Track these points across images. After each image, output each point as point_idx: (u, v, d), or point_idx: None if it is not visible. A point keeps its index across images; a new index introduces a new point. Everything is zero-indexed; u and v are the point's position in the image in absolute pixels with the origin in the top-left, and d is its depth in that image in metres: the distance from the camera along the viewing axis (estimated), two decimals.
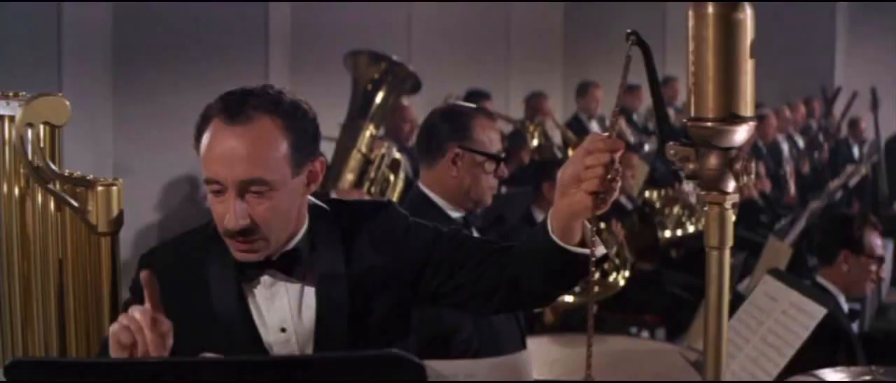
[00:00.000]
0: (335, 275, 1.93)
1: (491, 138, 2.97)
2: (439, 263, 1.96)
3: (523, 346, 2.89)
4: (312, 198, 2.00)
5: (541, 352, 3.21)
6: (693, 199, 5.91)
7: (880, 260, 3.77)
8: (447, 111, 3.10)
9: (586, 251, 1.77)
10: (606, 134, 1.69)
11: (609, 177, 1.67)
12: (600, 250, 1.82)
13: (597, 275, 4.14)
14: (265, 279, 1.92)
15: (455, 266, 1.96)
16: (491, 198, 3.05)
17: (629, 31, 1.62)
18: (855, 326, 3.70)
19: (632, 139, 8.22)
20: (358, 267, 1.95)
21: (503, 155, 3.01)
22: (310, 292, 1.93)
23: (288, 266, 1.91)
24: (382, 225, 2.00)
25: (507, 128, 7.58)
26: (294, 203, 1.89)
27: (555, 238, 1.78)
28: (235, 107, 1.82)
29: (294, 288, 1.93)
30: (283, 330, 1.92)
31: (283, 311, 1.92)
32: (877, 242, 3.78)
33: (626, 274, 4.51)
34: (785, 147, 9.27)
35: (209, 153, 1.83)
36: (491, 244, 2.00)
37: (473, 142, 2.95)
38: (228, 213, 1.82)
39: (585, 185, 1.69)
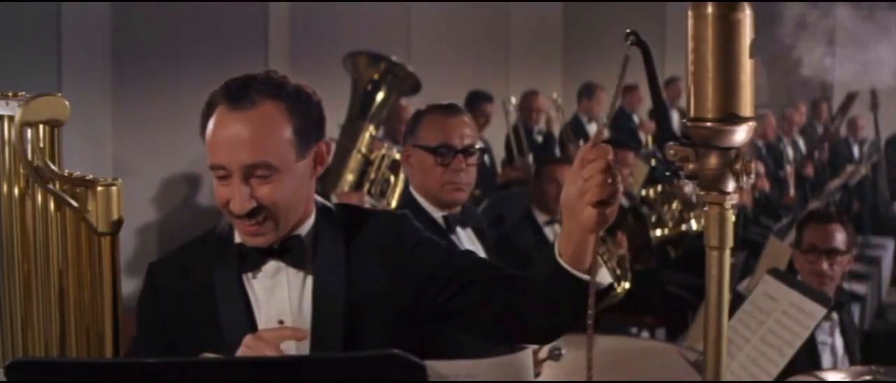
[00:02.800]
0: (335, 273, 1.92)
1: (437, 132, 2.92)
2: (447, 281, 1.95)
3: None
4: (322, 200, 2.00)
5: (542, 353, 3.21)
6: (694, 199, 5.91)
7: (829, 253, 3.61)
8: (413, 113, 3.11)
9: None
10: (591, 142, 1.69)
11: (609, 181, 1.66)
12: (606, 279, 1.80)
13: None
14: (268, 267, 1.92)
15: (462, 285, 1.94)
16: (456, 194, 2.97)
17: (628, 31, 1.62)
18: (826, 327, 3.56)
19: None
20: (358, 272, 1.94)
21: (460, 147, 2.91)
22: (311, 284, 1.92)
23: (290, 251, 1.91)
24: (390, 236, 1.99)
25: (502, 131, 7.58)
26: (301, 186, 1.89)
27: (562, 261, 1.76)
28: (239, 92, 1.83)
29: (296, 278, 1.92)
30: (281, 322, 1.91)
31: (282, 303, 1.92)
32: (834, 237, 3.62)
33: (627, 285, 4.52)
34: (790, 151, 9.26)
35: (214, 139, 1.84)
36: (501, 270, 1.98)
37: (418, 139, 2.95)
38: (234, 198, 1.83)
39: (588, 196, 1.67)
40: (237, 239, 1.94)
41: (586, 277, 1.75)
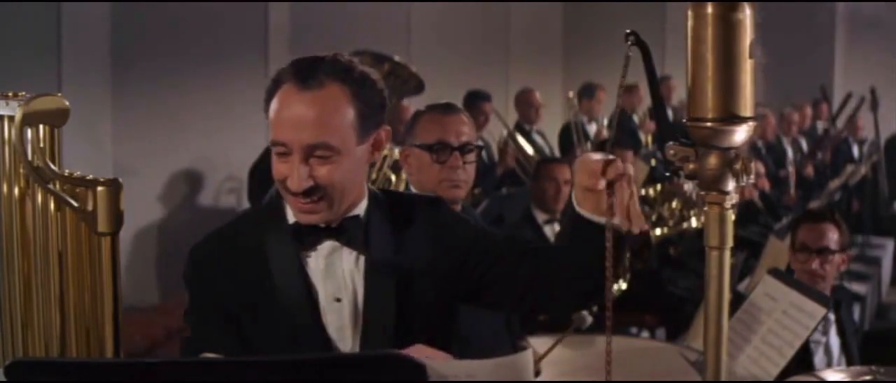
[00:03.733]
0: (386, 252, 1.97)
1: (433, 131, 2.95)
2: (481, 257, 2.00)
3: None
4: (370, 186, 2.05)
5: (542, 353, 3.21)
6: (694, 197, 5.90)
7: (820, 252, 3.60)
8: (412, 115, 3.15)
9: (614, 222, 1.79)
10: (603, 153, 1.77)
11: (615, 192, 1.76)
12: (617, 220, 1.82)
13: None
14: (324, 247, 1.95)
15: (494, 259, 2.00)
16: (454, 192, 2.95)
17: (628, 31, 1.63)
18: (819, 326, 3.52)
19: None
20: (405, 251, 1.99)
21: (457, 145, 2.92)
22: (364, 264, 1.96)
23: (347, 231, 1.95)
24: (432, 217, 2.04)
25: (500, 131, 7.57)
26: (358, 169, 1.94)
27: (581, 210, 1.83)
28: (307, 72, 1.88)
29: (350, 257, 1.96)
30: (338, 300, 1.95)
31: (338, 281, 1.95)
32: (825, 236, 3.62)
33: (624, 286, 4.53)
34: (789, 150, 9.24)
35: (278, 116, 1.88)
36: (530, 243, 2.07)
37: (415, 138, 2.98)
38: (292, 175, 1.86)
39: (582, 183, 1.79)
40: (291, 218, 1.97)
41: (603, 220, 1.79)
